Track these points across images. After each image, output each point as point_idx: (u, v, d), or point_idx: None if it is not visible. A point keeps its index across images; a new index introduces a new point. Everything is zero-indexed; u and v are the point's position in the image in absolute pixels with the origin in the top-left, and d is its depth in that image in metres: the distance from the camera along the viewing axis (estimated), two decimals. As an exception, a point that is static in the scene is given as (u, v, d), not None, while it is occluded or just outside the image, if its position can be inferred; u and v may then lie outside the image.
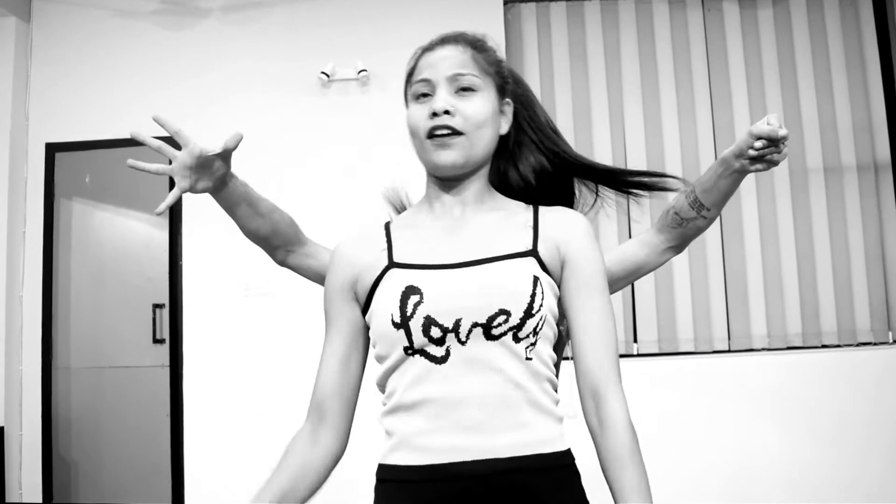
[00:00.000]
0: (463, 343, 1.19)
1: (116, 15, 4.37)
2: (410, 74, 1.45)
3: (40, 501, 4.19)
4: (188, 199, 4.26)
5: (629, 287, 4.24)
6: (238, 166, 4.22)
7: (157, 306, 4.18)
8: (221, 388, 4.18)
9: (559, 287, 1.30)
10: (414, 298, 1.21)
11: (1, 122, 4.24)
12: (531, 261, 1.26)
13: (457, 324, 1.19)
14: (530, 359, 1.20)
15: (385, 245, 1.34)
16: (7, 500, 4.03)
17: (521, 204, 1.40)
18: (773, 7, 4.36)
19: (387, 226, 1.40)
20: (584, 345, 1.25)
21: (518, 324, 1.19)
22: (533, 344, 1.21)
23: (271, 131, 4.26)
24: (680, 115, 4.31)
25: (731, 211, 4.24)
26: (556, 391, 1.26)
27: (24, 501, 4.21)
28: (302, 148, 4.28)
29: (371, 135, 4.21)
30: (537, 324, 1.20)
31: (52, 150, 4.37)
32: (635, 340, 4.19)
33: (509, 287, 1.21)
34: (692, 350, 4.20)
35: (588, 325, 1.26)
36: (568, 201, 1.48)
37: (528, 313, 1.19)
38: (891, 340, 4.20)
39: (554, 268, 1.29)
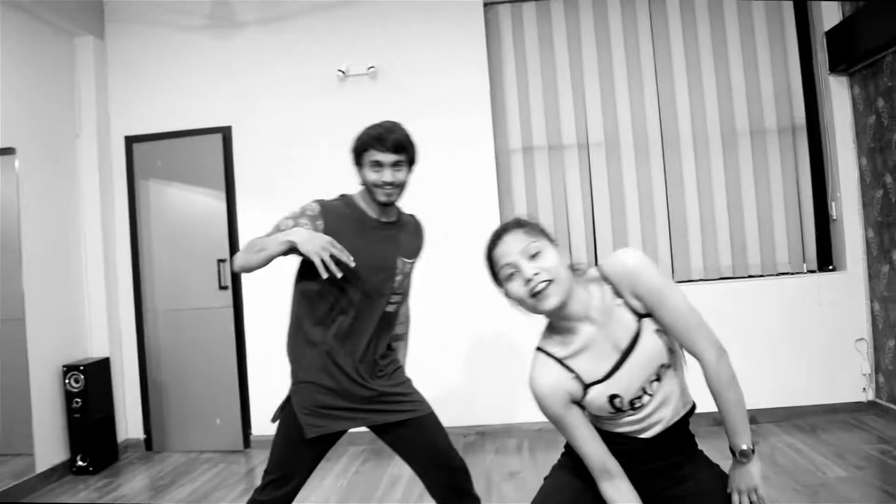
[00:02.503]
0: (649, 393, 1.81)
1: (173, 30, 5.24)
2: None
3: (140, 412, 5.26)
4: (239, 176, 5.22)
5: (591, 229, 5.11)
6: (272, 149, 5.43)
7: (220, 261, 5.10)
8: (273, 322, 5.12)
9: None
10: (617, 399, 1.79)
11: (87, 121, 5.14)
12: (646, 322, 1.79)
13: (643, 392, 1.79)
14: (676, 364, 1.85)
15: (573, 375, 1.81)
16: (114, 411, 5.07)
17: (597, 279, 1.85)
18: (708, -3, 5.12)
19: (565, 365, 1.82)
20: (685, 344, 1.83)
21: (669, 362, 1.79)
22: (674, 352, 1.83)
23: (298, 119, 5.15)
24: (630, 90, 5.09)
25: (673, 167, 5.05)
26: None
27: (126, 415, 5.25)
28: (323, 133, 5.08)
29: (380, 119, 5.07)
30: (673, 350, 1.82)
31: (130, 141, 5.30)
32: (597, 276, 5.09)
33: (655, 351, 1.78)
34: (642, 282, 5.07)
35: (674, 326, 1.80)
36: None
37: (671, 354, 1.80)
38: (805, 270, 4.99)
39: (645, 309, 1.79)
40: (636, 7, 5.11)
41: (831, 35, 4.82)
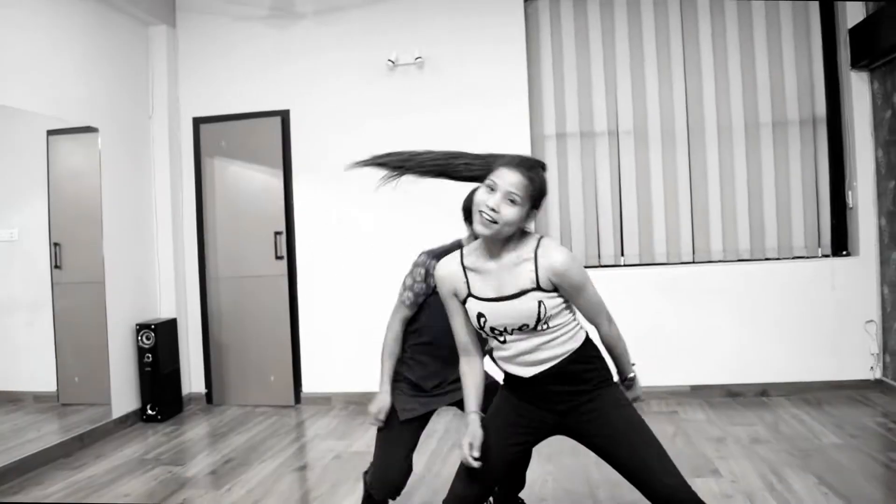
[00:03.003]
0: (509, 334, 2.18)
1: (238, 20, 5.68)
2: (491, 170, 2.19)
3: (202, 369, 5.79)
4: (296, 156, 5.65)
5: (618, 212, 5.45)
6: (326, 132, 5.88)
7: (276, 233, 5.57)
8: (324, 289, 5.60)
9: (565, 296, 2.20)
10: (482, 319, 2.20)
11: (159, 104, 5.63)
12: (536, 293, 2.15)
13: (503, 330, 2.18)
14: (544, 330, 2.17)
15: (465, 280, 2.24)
16: (179, 367, 5.60)
17: (530, 247, 2.17)
18: (737, -5, 5.38)
19: (465, 269, 2.25)
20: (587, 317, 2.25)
21: (533, 326, 2.15)
22: (546, 324, 2.16)
23: (350, 105, 5.56)
24: (660, 82, 5.39)
25: (697, 154, 5.35)
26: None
27: (190, 370, 5.78)
28: (373, 117, 5.49)
29: (425, 106, 5.45)
30: (545, 322, 2.15)
31: (198, 122, 5.77)
32: (622, 254, 5.43)
33: (525, 312, 2.15)
34: (665, 261, 5.39)
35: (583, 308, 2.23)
36: None
37: (538, 322, 2.15)
38: (819, 255, 5.28)
39: (553, 288, 2.15)
40: (668, 4, 5.38)
41: (854, 32, 5.05)
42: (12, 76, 4.27)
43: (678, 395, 5.22)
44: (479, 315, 2.18)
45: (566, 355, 2.20)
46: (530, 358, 2.19)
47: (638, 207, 5.40)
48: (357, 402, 5.40)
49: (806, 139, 5.28)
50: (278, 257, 5.58)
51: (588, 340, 2.27)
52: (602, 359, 2.29)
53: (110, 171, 5.09)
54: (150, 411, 5.23)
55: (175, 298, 5.63)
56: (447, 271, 2.27)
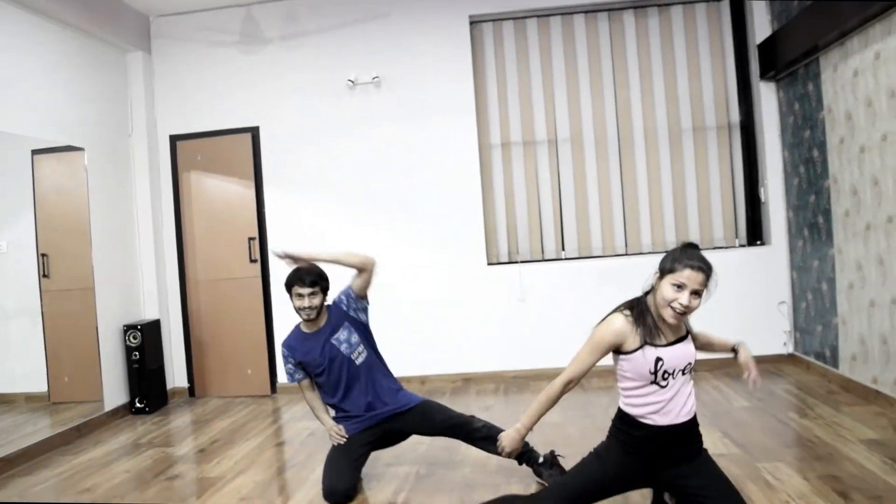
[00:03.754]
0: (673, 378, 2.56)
1: (209, 45, 6.15)
2: (672, 271, 2.53)
3: (184, 364, 6.23)
4: (266, 168, 6.11)
5: (558, 211, 6.00)
6: (292, 146, 6.41)
7: (250, 238, 6.03)
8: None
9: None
10: (659, 363, 2.52)
11: (138, 123, 6.06)
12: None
13: (673, 372, 2.55)
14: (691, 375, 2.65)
15: (640, 339, 2.55)
16: (164, 364, 6.03)
17: None
18: (659, 15, 5.94)
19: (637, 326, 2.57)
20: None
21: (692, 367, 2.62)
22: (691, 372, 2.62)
23: (314, 121, 6.06)
24: (592, 94, 5.96)
25: (627, 158, 5.93)
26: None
27: (173, 367, 6.21)
28: (335, 132, 6.00)
29: (383, 120, 5.97)
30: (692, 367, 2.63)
31: (174, 139, 6.22)
32: (563, 249, 5.99)
33: (690, 356, 2.60)
34: (601, 254, 5.97)
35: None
36: None
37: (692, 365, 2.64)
38: (737, 245, 5.89)
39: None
40: (598, 24, 5.97)
41: (762, 47, 5.66)
42: (5, 103, 4.69)
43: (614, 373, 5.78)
44: (658, 360, 2.54)
45: (691, 416, 2.62)
46: (678, 406, 2.58)
47: (576, 206, 5.96)
48: (328, 391, 5.89)
49: (723, 142, 5.90)
50: (252, 260, 6.05)
51: None
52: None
53: (95, 187, 5.52)
54: (138, 404, 5.67)
55: (158, 301, 6.06)
56: (618, 325, 2.60)
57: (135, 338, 5.66)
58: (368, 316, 3.71)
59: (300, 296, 3.53)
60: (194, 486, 3.84)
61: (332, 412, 3.70)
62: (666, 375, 2.55)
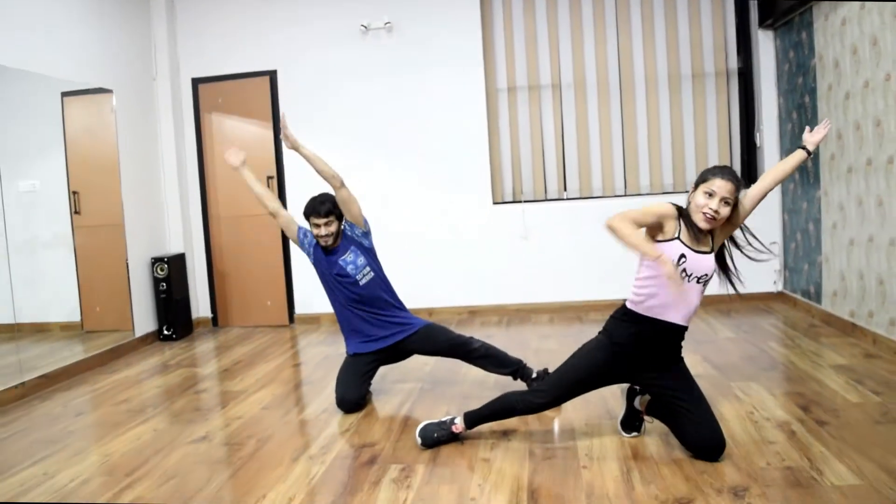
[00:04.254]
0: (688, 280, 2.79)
1: (228, -10, 6.38)
2: (705, 180, 2.79)
3: (208, 296, 6.60)
4: (283, 109, 6.34)
5: (561, 153, 6.23)
6: (308, 90, 6.65)
7: (269, 177, 6.32)
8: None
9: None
10: (682, 259, 2.72)
11: (162, 67, 6.30)
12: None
13: (690, 275, 2.78)
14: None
15: (677, 228, 2.75)
16: (189, 295, 6.41)
17: None
18: (662, -37, 6.10)
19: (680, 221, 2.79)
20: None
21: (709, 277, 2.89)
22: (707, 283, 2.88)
23: (329, 65, 6.27)
24: (596, 43, 6.12)
25: (628, 104, 6.13)
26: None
27: (198, 298, 6.59)
28: (349, 76, 6.23)
29: (393, 67, 6.19)
30: (709, 280, 2.89)
31: (196, 82, 6.47)
32: (565, 189, 6.23)
33: (709, 268, 2.83)
34: (601, 195, 6.21)
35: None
36: None
37: (709, 279, 2.88)
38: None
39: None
40: (602, -28, 6.12)
41: (761, -5, 5.82)
42: (30, 43, 4.90)
43: (614, 306, 6.08)
44: (681, 256, 2.77)
45: (690, 320, 2.95)
46: (681, 306, 2.86)
47: (577, 149, 6.18)
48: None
49: (721, 89, 6.06)
50: (271, 198, 6.33)
51: None
52: None
53: (123, 127, 5.81)
54: (166, 331, 6.05)
55: (182, 236, 6.40)
56: (668, 210, 2.81)
57: (162, 270, 6.01)
58: (371, 241, 3.98)
59: (317, 225, 3.82)
60: (220, 398, 4.22)
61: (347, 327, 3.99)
62: (683, 274, 2.80)
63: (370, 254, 3.95)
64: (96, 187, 5.78)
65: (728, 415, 3.34)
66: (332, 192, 3.87)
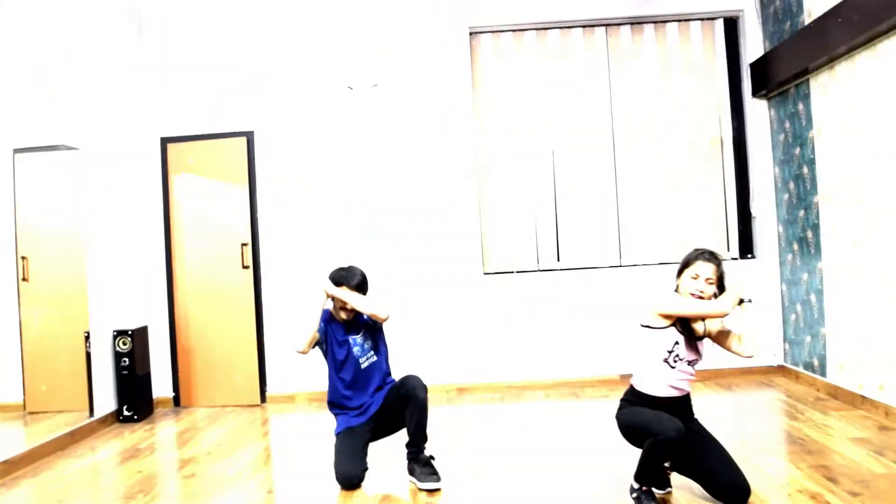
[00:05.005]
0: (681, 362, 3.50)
1: (205, 47, 6.71)
2: (688, 264, 3.52)
3: (170, 374, 6.70)
4: (260, 171, 6.66)
5: (553, 221, 6.69)
6: (292, 151, 6.85)
7: (243, 244, 6.57)
8: (287, 296, 6.59)
9: None
10: (676, 346, 3.47)
11: (128, 124, 6.55)
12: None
13: (681, 359, 3.49)
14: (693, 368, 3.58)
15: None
16: (150, 370, 6.50)
17: None
18: (655, 32, 6.70)
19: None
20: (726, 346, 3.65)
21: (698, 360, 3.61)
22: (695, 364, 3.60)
23: (313, 128, 6.62)
24: (589, 108, 6.68)
25: (622, 171, 6.65)
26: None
27: (158, 375, 6.67)
28: (334, 140, 6.59)
29: (381, 129, 6.58)
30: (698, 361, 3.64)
31: (165, 141, 6.73)
32: (558, 259, 6.69)
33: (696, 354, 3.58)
34: (596, 265, 6.67)
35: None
36: None
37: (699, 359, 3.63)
38: (729, 258, 6.59)
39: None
40: (595, 37, 6.70)
41: (754, 66, 6.44)
42: None
43: (610, 382, 6.48)
44: (675, 343, 3.45)
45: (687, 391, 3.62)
46: (679, 386, 3.51)
47: (571, 218, 6.65)
48: (319, 399, 6.43)
49: (714, 158, 6.66)
50: (244, 267, 6.59)
51: None
52: None
53: (90, 188, 6.00)
54: (126, 412, 6.13)
55: (145, 308, 6.55)
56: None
57: (125, 343, 6.13)
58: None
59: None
60: (215, 482, 4.36)
61: (337, 404, 4.41)
62: (676, 359, 3.46)
63: (378, 334, 4.39)
64: (49, 252, 5.89)
65: (761, 487, 3.69)
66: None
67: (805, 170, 5.86)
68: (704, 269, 3.44)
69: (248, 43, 6.70)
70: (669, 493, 3.69)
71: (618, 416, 3.61)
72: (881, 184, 4.78)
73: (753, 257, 6.60)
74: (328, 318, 4.32)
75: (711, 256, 3.50)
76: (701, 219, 6.63)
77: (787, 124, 6.14)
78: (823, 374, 5.72)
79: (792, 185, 6.13)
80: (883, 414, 4.87)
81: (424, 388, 4.11)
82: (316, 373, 6.46)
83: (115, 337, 6.16)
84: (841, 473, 3.83)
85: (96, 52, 6.19)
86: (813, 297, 5.85)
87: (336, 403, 4.38)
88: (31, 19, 5.40)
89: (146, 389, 6.37)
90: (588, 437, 4.91)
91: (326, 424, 5.65)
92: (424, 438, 4.15)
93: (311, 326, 4.21)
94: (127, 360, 6.15)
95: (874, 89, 4.80)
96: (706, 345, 3.67)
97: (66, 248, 5.93)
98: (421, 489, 4.00)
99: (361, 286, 4.24)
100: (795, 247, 6.12)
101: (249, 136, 6.66)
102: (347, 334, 4.29)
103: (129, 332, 6.15)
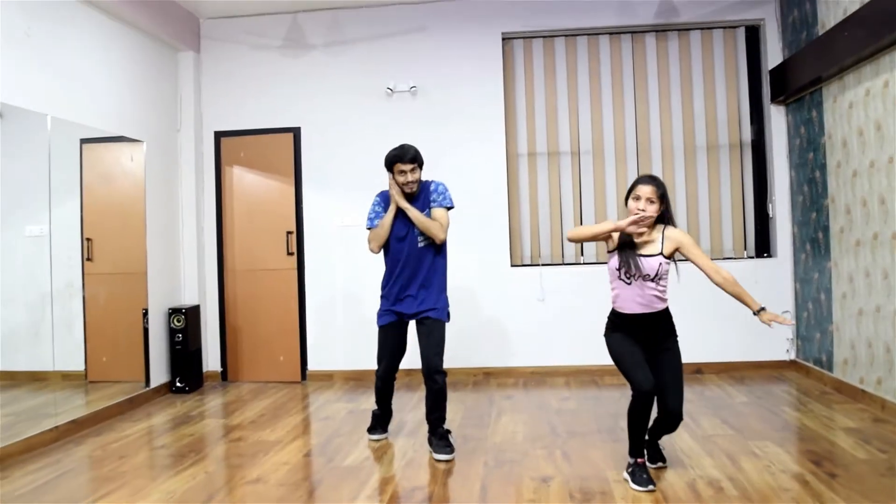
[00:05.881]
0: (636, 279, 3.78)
1: (256, 48, 7.16)
2: (631, 190, 3.80)
3: (218, 349, 7.20)
4: (305, 167, 7.10)
5: (578, 218, 7.00)
6: (331, 147, 7.56)
7: (288, 232, 7.04)
8: (327, 282, 7.07)
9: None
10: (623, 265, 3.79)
11: (186, 120, 7.05)
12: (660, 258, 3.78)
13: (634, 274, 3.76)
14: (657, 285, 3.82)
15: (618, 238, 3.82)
16: (201, 346, 7.01)
17: (659, 231, 3.82)
18: (679, 39, 6.97)
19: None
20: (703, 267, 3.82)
21: (652, 277, 3.76)
22: (658, 280, 3.79)
23: (353, 125, 7.06)
24: (614, 112, 6.98)
25: (644, 171, 6.82)
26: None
27: (208, 351, 7.18)
28: (372, 136, 6.97)
29: (417, 129, 6.95)
30: (660, 278, 3.79)
31: (219, 136, 7.21)
32: (582, 254, 6.99)
33: (652, 268, 3.76)
34: (618, 261, 6.98)
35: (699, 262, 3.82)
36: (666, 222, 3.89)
37: (655, 276, 3.78)
38: (745, 256, 6.88)
39: (669, 256, 3.80)
40: (622, 45, 7.00)
41: (773, 73, 6.68)
42: (53, 89, 5.61)
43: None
44: (621, 261, 3.79)
45: (663, 308, 3.91)
46: (638, 300, 3.80)
47: (595, 214, 6.97)
48: (355, 379, 6.89)
49: (734, 160, 6.91)
50: (289, 253, 7.05)
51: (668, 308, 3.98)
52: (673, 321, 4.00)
53: (151, 177, 6.51)
54: (178, 384, 6.64)
55: (197, 289, 7.05)
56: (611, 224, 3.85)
57: (179, 321, 6.63)
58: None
59: (402, 171, 4.49)
60: (258, 446, 4.81)
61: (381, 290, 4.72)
62: (628, 275, 3.81)
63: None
64: (111, 235, 6.38)
65: (747, 467, 4.02)
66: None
67: (817, 174, 6.10)
68: (644, 189, 3.75)
69: (296, 47, 7.13)
70: (663, 467, 4.05)
71: (606, 341, 3.99)
72: (882, 190, 5.03)
73: (770, 256, 6.86)
74: (384, 197, 4.73)
75: (650, 179, 3.82)
76: (720, 218, 6.89)
77: (803, 129, 6.38)
78: (830, 369, 5.98)
79: (806, 188, 6.37)
80: (879, 407, 5.13)
81: (443, 374, 4.49)
82: (352, 354, 6.99)
83: (169, 314, 6.67)
84: (825, 458, 4.13)
85: (159, 53, 6.71)
86: (822, 296, 6.11)
87: (388, 282, 4.66)
88: (102, 24, 5.92)
89: (197, 364, 6.88)
90: (603, 417, 5.27)
91: (362, 401, 6.14)
92: (442, 419, 4.53)
93: (378, 228, 4.60)
94: (180, 335, 6.65)
95: (877, 101, 5.05)
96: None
97: (127, 232, 6.42)
98: (437, 459, 4.39)
99: (415, 159, 4.51)
100: (808, 247, 6.37)
101: (296, 133, 7.11)
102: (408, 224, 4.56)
103: (183, 311, 6.65)
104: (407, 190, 4.54)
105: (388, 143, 7.09)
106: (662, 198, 3.80)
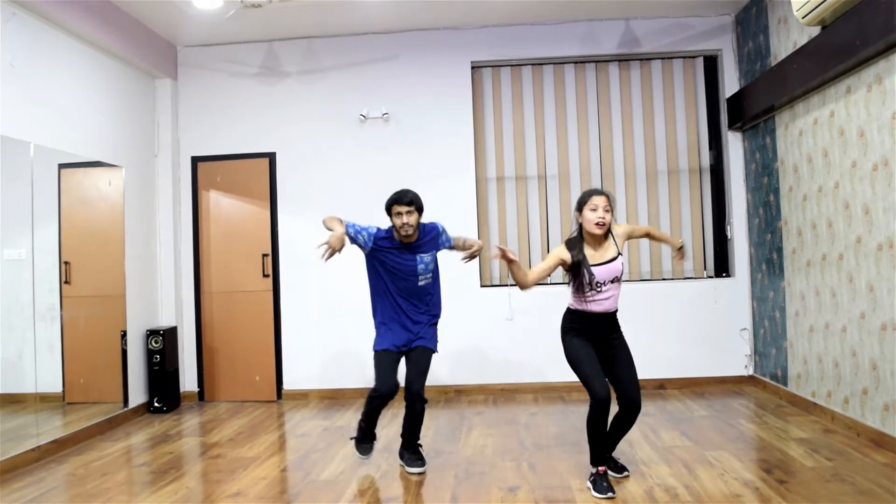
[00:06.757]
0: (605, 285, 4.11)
1: (232, 76, 7.38)
2: (585, 202, 4.09)
3: (195, 370, 7.35)
4: (281, 191, 7.31)
5: (546, 241, 7.26)
6: (306, 172, 7.83)
7: (264, 255, 7.22)
8: (302, 303, 7.26)
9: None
10: (592, 278, 4.07)
11: (164, 145, 7.23)
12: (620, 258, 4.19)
13: (603, 282, 4.07)
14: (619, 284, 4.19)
15: (577, 255, 4.10)
16: (178, 366, 7.16)
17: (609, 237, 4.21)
18: (640, 68, 7.30)
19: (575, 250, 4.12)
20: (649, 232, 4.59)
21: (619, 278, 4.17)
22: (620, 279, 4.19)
23: (327, 150, 7.29)
24: (579, 138, 7.27)
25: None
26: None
27: (185, 371, 7.32)
28: (346, 161, 7.24)
29: (390, 154, 7.22)
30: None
31: (196, 161, 7.40)
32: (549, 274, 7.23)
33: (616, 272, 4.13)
34: (584, 281, 7.25)
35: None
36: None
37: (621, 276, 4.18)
38: (705, 276, 7.18)
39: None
40: (586, 73, 7.31)
41: (730, 100, 7.02)
42: (34, 116, 5.76)
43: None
44: (592, 275, 4.04)
45: (614, 309, 4.21)
46: (606, 302, 4.11)
47: (561, 236, 7.22)
48: (330, 398, 7.08)
49: (694, 184, 7.23)
50: (265, 276, 7.24)
51: None
52: None
53: (130, 201, 6.67)
54: (156, 404, 6.79)
55: (174, 311, 7.20)
56: (562, 250, 4.16)
57: (156, 342, 6.79)
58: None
59: (399, 213, 4.55)
60: (236, 462, 4.98)
61: (380, 317, 4.84)
62: (598, 285, 4.09)
63: (436, 262, 4.86)
64: (90, 258, 6.51)
65: (702, 475, 4.27)
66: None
67: (771, 197, 6.43)
68: (599, 200, 4.05)
69: (272, 74, 7.37)
70: (626, 476, 4.30)
71: (563, 342, 4.26)
72: (829, 214, 5.35)
73: (728, 276, 7.16)
74: (377, 238, 4.75)
75: (600, 191, 4.14)
76: (681, 239, 7.17)
77: (758, 155, 6.71)
78: (785, 383, 6.27)
79: (761, 211, 6.70)
80: (829, 419, 5.42)
81: (424, 401, 4.63)
82: (326, 374, 7.18)
83: (147, 336, 6.82)
84: (776, 466, 4.40)
85: (137, 80, 6.91)
86: (777, 314, 6.41)
87: (384, 314, 4.80)
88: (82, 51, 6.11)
89: (174, 384, 7.03)
90: (569, 430, 5.50)
91: (336, 418, 6.33)
92: (416, 437, 4.73)
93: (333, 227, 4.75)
94: (158, 356, 6.80)
95: (824, 129, 5.38)
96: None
97: (105, 255, 6.56)
98: (409, 472, 4.60)
99: (413, 202, 4.55)
100: (764, 267, 6.69)
101: (272, 157, 7.33)
102: (416, 253, 4.69)
103: (161, 332, 6.81)
104: (403, 232, 4.57)
105: (362, 167, 7.57)
106: (612, 205, 4.14)
